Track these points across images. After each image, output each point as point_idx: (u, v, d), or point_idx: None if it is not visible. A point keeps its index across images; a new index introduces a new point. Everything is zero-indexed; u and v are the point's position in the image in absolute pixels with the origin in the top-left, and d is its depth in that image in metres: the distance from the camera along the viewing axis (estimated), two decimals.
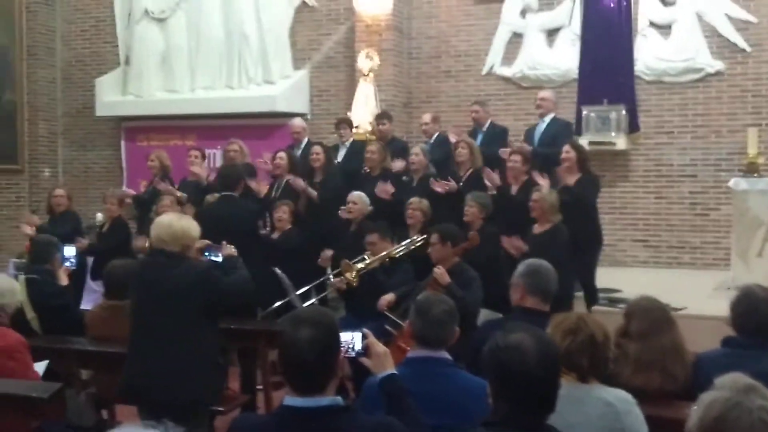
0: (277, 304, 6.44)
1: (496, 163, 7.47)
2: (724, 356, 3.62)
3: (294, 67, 10.86)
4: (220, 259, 4.67)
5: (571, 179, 6.88)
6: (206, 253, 4.67)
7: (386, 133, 8.61)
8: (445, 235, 5.85)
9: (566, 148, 7.01)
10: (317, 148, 7.83)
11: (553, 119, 8.10)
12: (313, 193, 7.49)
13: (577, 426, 2.78)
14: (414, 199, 6.87)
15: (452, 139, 8.16)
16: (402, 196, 7.16)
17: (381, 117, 8.77)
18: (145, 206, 8.09)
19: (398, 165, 7.70)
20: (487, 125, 8.43)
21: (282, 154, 7.87)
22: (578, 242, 6.45)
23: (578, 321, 3.07)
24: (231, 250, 4.78)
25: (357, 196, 7.12)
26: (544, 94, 8.32)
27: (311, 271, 7.02)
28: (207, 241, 4.69)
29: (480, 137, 8.22)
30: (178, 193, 7.84)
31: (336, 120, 9.01)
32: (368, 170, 7.80)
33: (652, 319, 3.77)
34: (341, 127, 8.71)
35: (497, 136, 8.30)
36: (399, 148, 8.40)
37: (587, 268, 6.92)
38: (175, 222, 4.28)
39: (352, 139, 8.68)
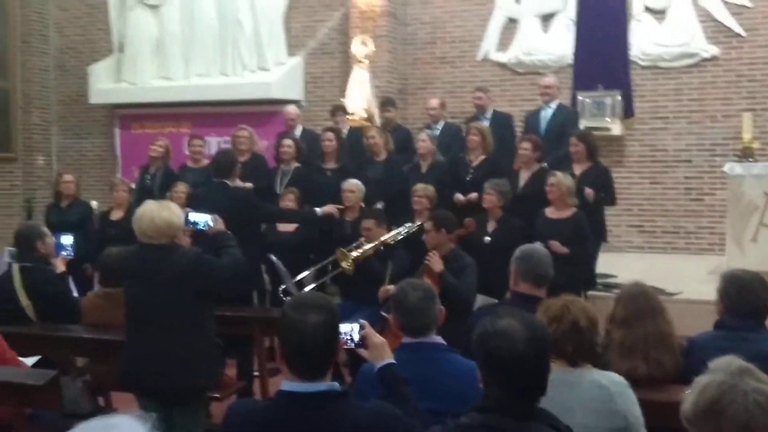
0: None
1: (506, 150, 7.38)
2: (717, 339, 3.62)
3: (288, 54, 10.83)
4: (202, 222, 4.61)
5: (579, 168, 6.82)
6: (190, 222, 4.58)
7: (391, 120, 8.52)
8: (439, 222, 5.79)
9: (573, 141, 6.95)
10: (329, 134, 7.81)
11: (560, 106, 8.01)
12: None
13: (572, 409, 2.78)
14: (420, 186, 6.80)
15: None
16: (412, 182, 7.02)
17: (385, 104, 8.68)
18: (149, 195, 7.97)
19: None
20: (490, 112, 8.26)
21: (290, 142, 7.85)
22: None
23: (562, 308, 3.06)
24: (220, 225, 4.66)
25: (354, 184, 7.06)
26: (549, 80, 8.16)
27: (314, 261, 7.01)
28: (188, 210, 4.63)
29: (486, 125, 7.94)
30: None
31: (332, 107, 8.96)
32: (369, 155, 7.73)
33: (635, 306, 3.75)
34: (337, 114, 8.65)
35: (503, 123, 8.17)
36: (403, 136, 8.28)
37: (587, 258, 6.73)
38: (156, 216, 4.09)
39: (348, 126, 8.57)
